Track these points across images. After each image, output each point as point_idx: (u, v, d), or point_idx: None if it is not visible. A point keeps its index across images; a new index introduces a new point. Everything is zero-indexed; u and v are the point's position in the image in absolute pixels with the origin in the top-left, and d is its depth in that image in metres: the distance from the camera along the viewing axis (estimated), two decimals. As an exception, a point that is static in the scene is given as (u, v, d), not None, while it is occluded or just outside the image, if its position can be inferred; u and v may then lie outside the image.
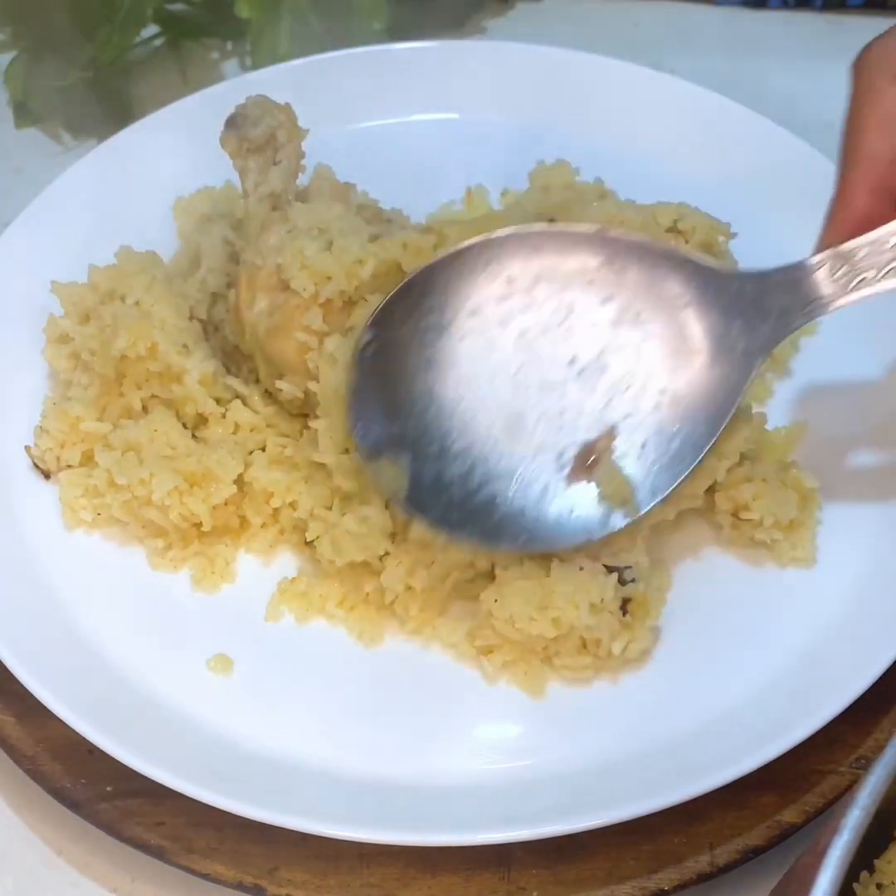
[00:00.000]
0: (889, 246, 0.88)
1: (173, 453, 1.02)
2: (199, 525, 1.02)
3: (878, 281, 0.89)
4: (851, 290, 0.90)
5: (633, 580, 0.96)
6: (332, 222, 1.03)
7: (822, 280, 0.91)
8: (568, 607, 0.93)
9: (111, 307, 1.06)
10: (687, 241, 1.07)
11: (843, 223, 0.91)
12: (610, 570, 0.96)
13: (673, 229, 1.08)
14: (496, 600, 0.95)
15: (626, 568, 0.96)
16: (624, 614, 0.95)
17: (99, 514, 1.03)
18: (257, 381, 1.07)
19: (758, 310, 0.93)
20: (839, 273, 0.90)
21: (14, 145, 1.40)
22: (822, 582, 1.00)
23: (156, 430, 1.03)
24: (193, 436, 1.05)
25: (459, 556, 0.97)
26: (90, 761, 0.93)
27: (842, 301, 0.91)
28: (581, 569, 0.96)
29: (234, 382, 1.07)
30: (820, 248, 0.92)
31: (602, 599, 0.94)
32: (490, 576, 0.97)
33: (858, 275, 0.90)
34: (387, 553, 0.97)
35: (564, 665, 0.96)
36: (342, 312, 1.01)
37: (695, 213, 1.08)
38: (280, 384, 1.03)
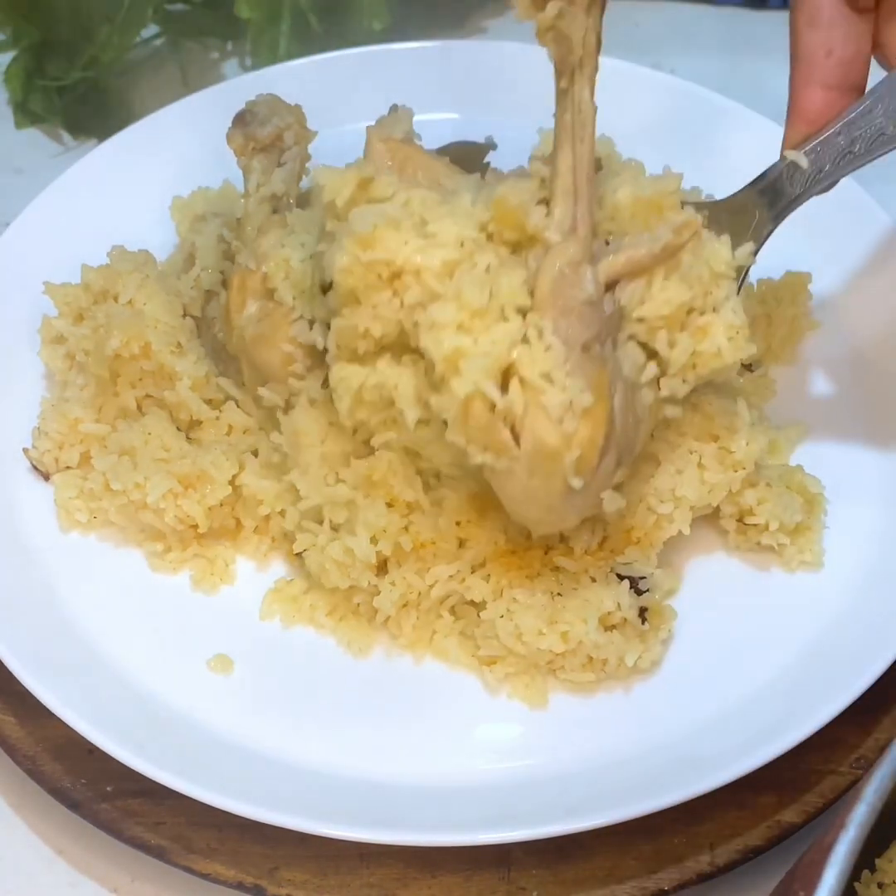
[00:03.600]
0: (839, 137, 0.93)
1: (167, 456, 1.01)
2: (195, 527, 1.01)
3: (834, 172, 0.94)
4: (811, 185, 0.95)
5: (647, 591, 0.96)
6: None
7: (785, 183, 0.96)
8: (576, 622, 0.93)
9: (104, 307, 1.05)
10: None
11: (796, 123, 0.94)
12: (621, 578, 0.96)
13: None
14: (503, 615, 0.94)
15: (641, 578, 0.96)
16: (643, 622, 0.95)
17: (95, 516, 1.03)
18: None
19: (733, 232, 0.94)
20: (799, 174, 0.95)
21: (14, 145, 1.41)
22: (822, 584, 1.00)
23: (150, 433, 1.02)
24: (188, 437, 1.05)
25: (454, 584, 0.97)
26: (90, 761, 0.93)
27: (804, 198, 0.96)
28: (593, 580, 0.96)
29: (227, 384, 1.06)
30: (781, 150, 0.96)
31: (614, 609, 0.93)
32: (483, 603, 0.96)
33: (817, 172, 0.94)
34: (370, 584, 0.96)
35: (568, 678, 0.95)
36: None
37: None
38: (261, 391, 1.01)
